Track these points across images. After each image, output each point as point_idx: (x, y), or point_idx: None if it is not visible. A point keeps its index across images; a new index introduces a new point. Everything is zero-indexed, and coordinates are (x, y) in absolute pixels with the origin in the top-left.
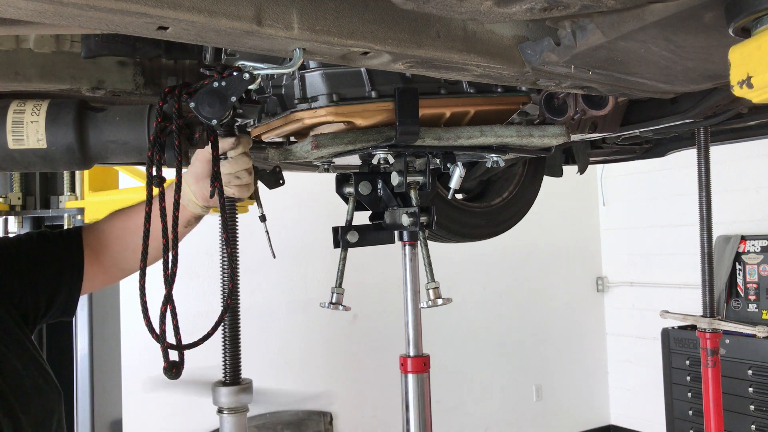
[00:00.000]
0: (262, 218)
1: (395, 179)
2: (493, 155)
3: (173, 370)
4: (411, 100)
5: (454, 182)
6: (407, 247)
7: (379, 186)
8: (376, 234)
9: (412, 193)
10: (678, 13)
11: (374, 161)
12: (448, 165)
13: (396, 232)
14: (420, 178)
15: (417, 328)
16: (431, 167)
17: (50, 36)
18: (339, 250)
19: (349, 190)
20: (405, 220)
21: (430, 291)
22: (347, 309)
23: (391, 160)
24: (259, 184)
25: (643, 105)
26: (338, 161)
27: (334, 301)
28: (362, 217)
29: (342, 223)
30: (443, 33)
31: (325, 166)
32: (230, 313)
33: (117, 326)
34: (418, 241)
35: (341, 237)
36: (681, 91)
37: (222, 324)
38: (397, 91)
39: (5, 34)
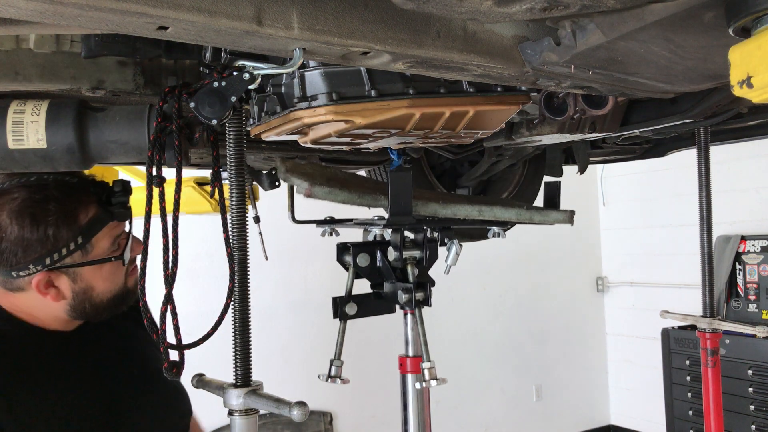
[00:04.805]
0: (256, 219)
1: (392, 254)
2: (494, 227)
3: (173, 370)
4: (404, 183)
5: (450, 259)
6: (408, 316)
7: (378, 257)
8: (376, 303)
9: (409, 269)
10: (678, 13)
11: (369, 237)
12: (446, 240)
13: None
14: (417, 253)
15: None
16: (428, 241)
17: (50, 36)
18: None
19: (349, 259)
20: (401, 296)
21: (426, 371)
22: (345, 382)
23: (387, 236)
24: (255, 185)
25: (643, 105)
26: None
27: (332, 374)
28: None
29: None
30: (443, 33)
31: (328, 230)
32: (241, 313)
33: None
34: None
35: (339, 309)
36: (681, 91)
37: (233, 325)
38: (389, 174)
39: (5, 34)
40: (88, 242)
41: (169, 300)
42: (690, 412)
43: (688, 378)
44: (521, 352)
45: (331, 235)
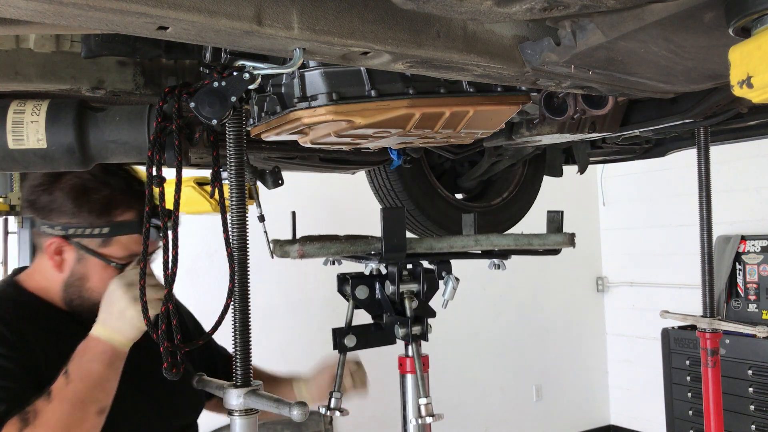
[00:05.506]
0: (261, 218)
1: (389, 288)
2: (494, 259)
3: (173, 369)
4: (396, 219)
5: (448, 294)
6: (408, 347)
7: (377, 288)
8: (375, 335)
9: (407, 303)
10: (678, 13)
11: (366, 271)
12: (443, 274)
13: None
14: (414, 287)
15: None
16: (426, 273)
17: (50, 36)
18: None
19: (349, 290)
20: (398, 331)
21: (422, 407)
22: (345, 413)
23: (384, 270)
24: (258, 184)
25: (643, 105)
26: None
27: (332, 406)
28: None
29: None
30: (443, 33)
31: (330, 260)
32: (241, 313)
33: None
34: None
35: (339, 341)
36: (681, 91)
37: (233, 325)
38: (382, 211)
39: (5, 34)
40: (110, 237)
41: (169, 300)
42: (690, 412)
43: (688, 378)
44: (521, 352)
45: (333, 264)
